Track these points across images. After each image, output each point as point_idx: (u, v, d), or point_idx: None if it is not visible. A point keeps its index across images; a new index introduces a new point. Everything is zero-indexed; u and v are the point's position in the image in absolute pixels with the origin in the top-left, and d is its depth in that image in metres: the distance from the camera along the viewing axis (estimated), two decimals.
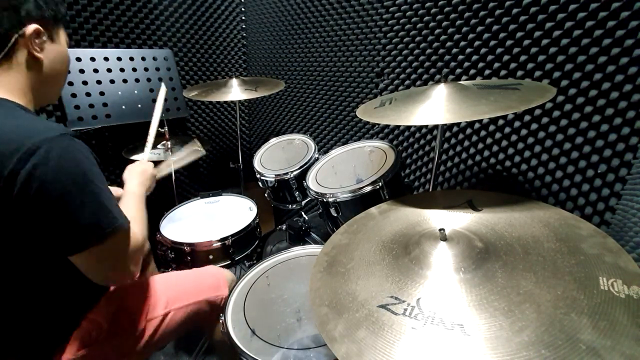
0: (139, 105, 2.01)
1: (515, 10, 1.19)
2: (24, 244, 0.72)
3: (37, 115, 0.79)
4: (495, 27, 1.26)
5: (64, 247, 0.72)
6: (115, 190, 1.24)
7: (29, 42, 0.77)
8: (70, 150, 0.70)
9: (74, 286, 0.85)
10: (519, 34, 1.20)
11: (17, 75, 0.79)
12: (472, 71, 1.36)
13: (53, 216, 0.68)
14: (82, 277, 0.82)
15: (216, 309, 1.09)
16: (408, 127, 1.68)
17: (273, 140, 1.86)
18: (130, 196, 0.99)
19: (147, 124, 1.52)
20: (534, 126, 1.25)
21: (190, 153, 1.77)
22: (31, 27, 0.76)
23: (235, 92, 1.76)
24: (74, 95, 1.78)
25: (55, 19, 0.83)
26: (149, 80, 2.07)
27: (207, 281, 1.14)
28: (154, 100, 2.08)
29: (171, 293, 1.05)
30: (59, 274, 0.81)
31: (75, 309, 0.88)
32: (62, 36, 0.87)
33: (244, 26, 2.59)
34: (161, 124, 1.88)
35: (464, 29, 1.34)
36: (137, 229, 0.85)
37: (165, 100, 1.55)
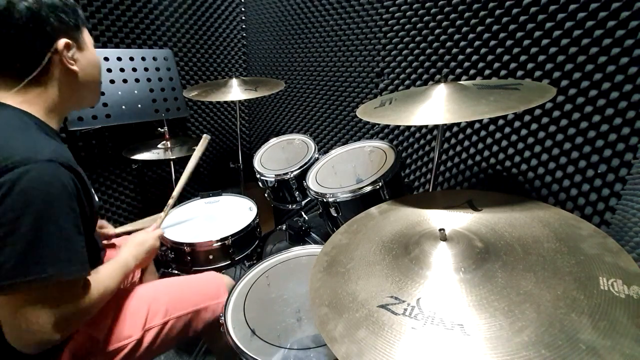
0: (139, 105, 2.01)
1: (515, 10, 1.19)
2: None
3: (48, 135, 0.78)
4: (495, 27, 1.26)
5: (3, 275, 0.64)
6: (100, 222, 1.25)
7: (62, 57, 0.79)
8: (47, 179, 0.67)
9: None
10: (519, 34, 1.20)
11: (51, 90, 0.81)
12: (472, 71, 1.36)
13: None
14: None
15: (215, 316, 1.07)
16: (408, 127, 1.68)
17: (273, 140, 1.86)
18: (113, 263, 0.94)
19: (148, 124, 1.50)
20: (534, 126, 1.24)
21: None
22: (62, 42, 0.78)
23: (235, 92, 1.76)
24: None
25: (77, 26, 0.84)
26: (149, 80, 2.07)
27: (207, 288, 1.11)
28: (154, 100, 2.09)
29: (171, 301, 1.02)
30: None
31: None
32: (88, 39, 0.88)
33: (244, 26, 2.59)
34: (161, 124, 1.89)
35: (464, 29, 1.34)
36: (95, 292, 0.79)
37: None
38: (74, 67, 0.83)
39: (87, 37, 0.88)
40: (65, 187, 0.69)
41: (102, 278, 0.84)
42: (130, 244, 1.07)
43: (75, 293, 0.75)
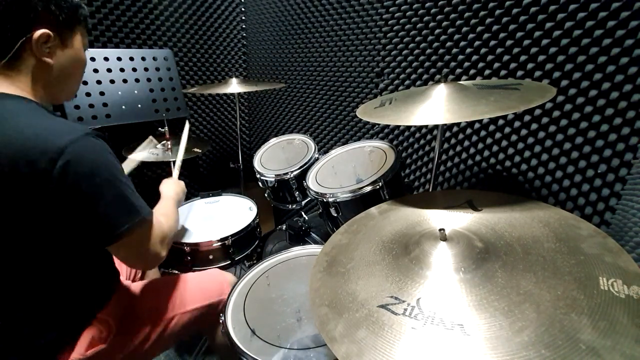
0: (139, 105, 2.01)
1: (515, 10, 1.19)
2: (51, 239, 0.75)
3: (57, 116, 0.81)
4: (495, 27, 1.26)
5: (99, 241, 0.77)
6: None
7: (36, 47, 0.76)
8: (95, 149, 0.74)
9: (87, 285, 0.87)
10: (519, 34, 1.20)
11: (27, 77, 0.79)
12: (472, 71, 1.36)
13: (86, 213, 0.73)
14: (95, 276, 0.87)
15: (218, 312, 1.09)
16: (408, 127, 1.68)
17: (273, 140, 1.86)
18: (168, 199, 1.13)
19: (148, 124, 1.51)
20: (534, 126, 1.24)
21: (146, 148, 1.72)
22: (38, 33, 0.75)
23: (234, 86, 1.78)
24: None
25: (71, 24, 0.81)
26: (149, 80, 2.07)
27: (212, 285, 1.15)
28: (154, 100, 2.10)
29: (177, 297, 1.06)
30: (74, 272, 0.83)
31: (88, 307, 0.89)
32: (78, 40, 0.85)
33: (244, 26, 2.59)
34: (161, 124, 1.89)
35: (464, 29, 1.34)
36: (163, 220, 0.93)
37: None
38: (48, 59, 0.79)
39: (77, 40, 0.84)
40: (108, 152, 0.78)
41: (160, 209, 1.04)
42: (171, 187, 1.22)
43: (159, 222, 0.89)
